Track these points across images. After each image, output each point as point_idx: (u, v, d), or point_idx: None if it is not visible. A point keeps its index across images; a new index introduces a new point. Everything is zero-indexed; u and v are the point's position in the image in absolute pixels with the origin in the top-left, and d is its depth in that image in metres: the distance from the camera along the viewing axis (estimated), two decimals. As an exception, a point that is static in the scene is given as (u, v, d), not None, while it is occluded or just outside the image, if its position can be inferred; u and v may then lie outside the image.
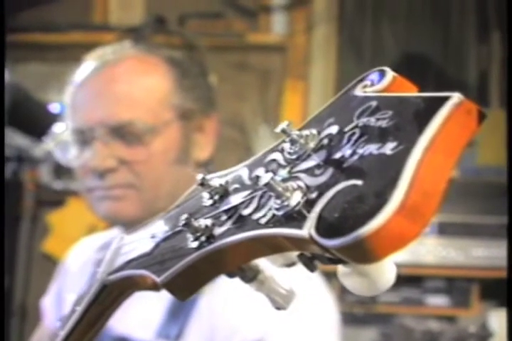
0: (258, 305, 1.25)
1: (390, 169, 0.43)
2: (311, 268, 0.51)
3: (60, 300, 1.56)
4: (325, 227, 0.44)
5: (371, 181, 0.44)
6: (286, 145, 0.52)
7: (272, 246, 0.51)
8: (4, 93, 2.21)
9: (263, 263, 0.57)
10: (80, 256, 1.59)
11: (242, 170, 0.56)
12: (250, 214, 0.51)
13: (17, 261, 3.09)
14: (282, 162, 0.52)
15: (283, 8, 3.30)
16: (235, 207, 0.53)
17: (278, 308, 0.58)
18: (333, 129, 0.50)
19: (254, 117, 3.22)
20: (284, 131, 0.51)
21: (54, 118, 2.27)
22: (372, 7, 3.33)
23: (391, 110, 0.47)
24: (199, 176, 0.57)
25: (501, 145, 3.01)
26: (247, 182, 0.55)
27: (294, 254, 0.54)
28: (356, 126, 0.48)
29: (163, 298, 1.34)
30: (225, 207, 0.54)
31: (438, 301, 2.92)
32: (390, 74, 0.51)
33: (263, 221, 0.50)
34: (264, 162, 0.54)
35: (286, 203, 0.48)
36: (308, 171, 0.49)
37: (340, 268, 0.50)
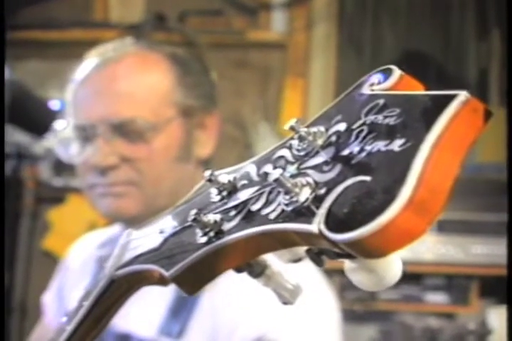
0: (260, 302, 1.26)
1: (398, 165, 0.44)
2: (319, 263, 0.52)
3: (61, 297, 1.56)
4: (334, 222, 0.45)
5: (379, 177, 0.45)
6: (295, 142, 0.53)
7: (281, 241, 0.51)
8: (4, 90, 2.22)
9: (270, 258, 0.58)
10: (80, 253, 1.59)
11: (249, 167, 0.57)
12: (259, 210, 0.52)
13: (17, 258, 3.09)
14: (290, 158, 0.53)
15: (283, 5, 3.30)
16: (244, 203, 0.54)
17: (285, 303, 0.59)
18: (341, 126, 0.51)
19: (253, 114, 3.23)
20: (292, 128, 0.52)
21: (54, 115, 2.27)
22: (372, 5, 3.34)
23: (399, 108, 0.48)
24: (207, 172, 0.57)
25: (501, 142, 3.02)
26: (256, 178, 0.55)
27: (300, 250, 0.55)
28: (364, 124, 0.49)
29: (166, 296, 1.35)
30: (234, 203, 0.55)
31: (437, 298, 2.93)
32: (397, 72, 0.52)
33: (272, 216, 0.51)
34: (272, 159, 0.55)
35: (295, 199, 0.49)
36: (317, 167, 0.50)
37: (348, 264, 0.51)
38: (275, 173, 0.50)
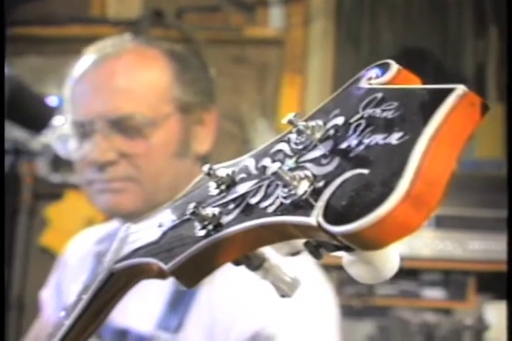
0: (258, 296, 1.26)
1: (395, 158, 0.44)
2: (317, 255, 0.52)
3: (59, 292, 1.57)
4: (332, 215, 0.46)
5: (377, 170, 0.45)
6: (293, 136, 0.53)
7: (279, 234, 0.52)
8: (4, 87, 2.21)
9: (269, 251, 0.58)
10: (78, 249, 1.60)
11: (248, 161, 0.57)
12: (258, 203, 0.53)
13: (15, 254, 3.09)
14: (289, 152, 0.53)
15: (280, 1, 3.30)
16: (242, 196, 0.54)
17: (283, 296, 0.59)
18: (339, 120, 0.51)
19: (251, 111, 3.23)
20: (290, 122, 0.52)
21: (52, 111, 2.27)
22: (369, 1, 3.34)
23: (396, 101, 0.48)
24: (206, 166, 0.58)
25: (499, 138, 3.03)
26: (254, 172, 0.56)
27: (298, 243, 0.55)
28: (362, 117, 0.49)
29: (163, 290, 1.35)
30: (233, 196, 0.55)
31: (435, 294, 2.93)
32: (394, 66, 0.52)
33: (271, 209, 0.51)
34: (271, 152, 0.56)
35: (293, 192, 0.49)
36: (315, 161, 0.50)
37: (345, 257, 0.51)
38: (273, 167, 0.50)
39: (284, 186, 0.50)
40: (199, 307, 1.33)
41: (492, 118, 3.04)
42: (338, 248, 0.49)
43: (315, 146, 0.51)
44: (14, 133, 2.74)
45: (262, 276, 0.59)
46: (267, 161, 0.55)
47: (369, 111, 0.49)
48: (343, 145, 0.49)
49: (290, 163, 0.52)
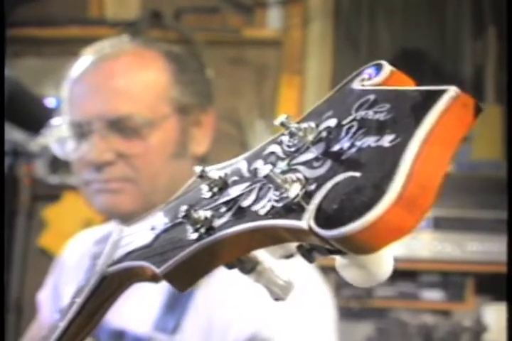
0: (254, 298, 1.26)
1: (387, 161, 0.44)
2: (310, 259, 0.52)
3: (57, 293, 1.57)
4: (324, 218, 0.45)
5: (369, 173, 0.45)
6: (285, 138, 0.53)
7: (271, 238, 0.51)
8: (4, 89, 2.21)
9: (262, 254, 0.58)
10: (76, 250, 1.59)
11: (240, 163, 0.57)
12: (249, 206, 0.52)
13: (13, 255, 3.09)
14: (281, 154, 0.53)
15: (279, 2, 3.30)
16: (234, 199, 0.54)
17: (276, 299, 0.59)
18: (332, 122, 0.51)
19: (249, 112, 3.22)
20: (282, 124, 0.52)
21: (50, 112, 2.27)
22: (368, 2, 3.34)
23: (389, 103, 0.48)
24: (198, 168, 0.57)
25: (496, 140, 3.02)
26: (246, 174, 0.55)
27: (292, 246, 0.55)
28: (354, 119, 0.49)
29: (160, 292, 1.35)
30: (225, 199, 0.55)
31: (433, 295, 2.93)
32: (387, 68, 0.52)
33: (262, 212, 0.50)
34: (263, 154, 0.55)
35: (285, 195, 0.49)
36: (307, 163, 0.50)
37: (339, 260, 0.51)
38: (265, 169, 0.49)
39: (276, 189, 0.49)
40: (196, 309, 1.32)
41: (490, 120, 3.03)
42: (330, 251, 0.49)
43: (307, 149, 0.51)
44: (12, 134, 2.73)
45: (255, 279, 0.59)
46: (259, 163, 0.55)
47: (361, 113, 0.49)
48: (336, 148, 0.48)
49: (282, 165, 0.52)
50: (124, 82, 1.38)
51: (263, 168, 0.50)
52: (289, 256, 0.57)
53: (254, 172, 0.54)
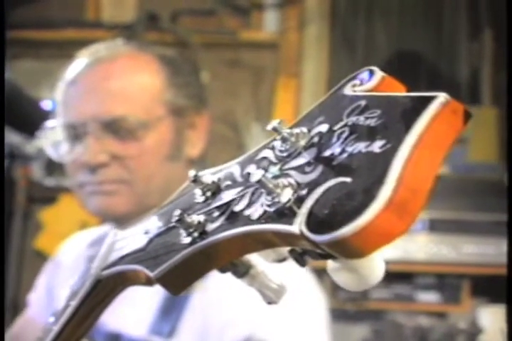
0: (249, 301, 1.26)
1: (378, 166, 0.44)
2: (302, 263, 0.52)
3: (51, 294, 1.57)
4: (315, 223, 0.46)
5: (360, 178, 0.45)
6: (277, 143, 0.53)
7: (263, 242, 0.52)
8: (4, 92, 2.21)
9: (255, 258, 0.59)
10: (72, 252, 1.60)
11: (233, 168, 0.57)
12: (242, 211, 0.53)
13: (9, 257, 3.09)
14: (273, 159, 0.53)
15: (275, 5, 3.31)
16: (227, 204, 0.54)
17: (269, 303, 0.59)
18: (323, 128, 0.51)
19: (246, 114, 3.23)
20: (275, 129, 0.52)
21: (46, 115, 2.27)
22: (364, 4, 3.34)
23: (379, 109, 0.48)
24: (191, 173, 0.58)
25: (492, 142, 3.03)
26: (239, 179, 0.56)
27: (285, 250, 0.55)
28: (346, 125, 0.49)
29: (156, 295, 1.35)
30: (217, 204, 0.55)
31: (429, 298, 2.93)
32: (378, 73, 0.52)
33: (254, 217, 0.51)
34: (256, 159, 0.55)
35: (277, 200, 0.49)
36: (299, 168, 0.50)
37: (330, 264, 0.51)
38: (258, 174, 0.50)
39: (268, 194, 0.50)
40: (192, 312, 1.33)
41: (486, 122, 3.04)
42: (322, 256, 0.49)
43: (299, 154, 0.51)
44: (9, 137, 2.73)
45: (248, 283, 0.59)
46: (251, 168, 0.55)
47: (353, 119, 0.49)
48: (327, 153, 0.49)
49: (274, 170, 0.52)
50: (119, 84, 1.39)
51: (255, 173, 0.50)
52: (282, 259, 0.58)
53: (246, 177, 0.55)
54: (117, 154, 1.37)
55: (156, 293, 1.34)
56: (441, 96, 0.45)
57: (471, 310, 2.88)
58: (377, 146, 0.46)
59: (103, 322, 1.25)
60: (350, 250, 0.44)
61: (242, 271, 0.59)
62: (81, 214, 2.66)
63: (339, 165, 0.47)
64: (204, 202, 0.57)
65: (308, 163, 0.50)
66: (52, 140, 1.47)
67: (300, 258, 0.52)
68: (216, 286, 1.24)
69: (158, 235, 0.61)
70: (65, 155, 1.43)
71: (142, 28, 3.25)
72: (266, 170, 0.53)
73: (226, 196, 0.55)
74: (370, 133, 0.47)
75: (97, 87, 1.39)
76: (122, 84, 1.39)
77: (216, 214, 0.55)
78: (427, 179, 0.44)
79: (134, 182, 1.38)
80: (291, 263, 0.57)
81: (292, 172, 0.50)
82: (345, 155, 0.47)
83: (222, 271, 0.58)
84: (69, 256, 1.59)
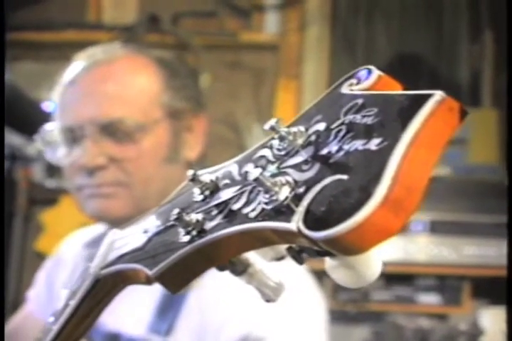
0: (246, 300, 1.26)
1: (374, 164, 0.45)
2: (299, 260, 0.52)
3: (51, 290, 1.57)
4: (312, 220, 0.46)
5: (356, 176, 0.45)
6: (275, 142, 0.54)
7: (261, 240, 0.52)
8: (4, 93, 2.22)
9: (253, 256, 0.59)
10: (71, 249, 1.61)
11: (232, 166, 0.58)
12: (240, 209, 0.53)
13: (10, 259, 3.09)
14: (271, 158, 0.54)
15: (276, 7, 3.31)
16: (225, 202, 0.55)
17: (268, 301, 0.60)
18: (321, 126, 0.51)
19: (247, 116, 3.23)
20: (272, 128, 0.53)
21: (47, 116, 2.27)
22: (365, 6, 3.35)
23: (376, 107, 0.48)
24: (190, 172, 0.58)
25: (493, 143, 3.03)
26: (237, 177, 0.56)
27: (283, 248, 0.55)
28: (343, 123, 0.50)
29: (154, 294, 1.35)
30: (216, 202, 0.56)
31: (430, 299, 2.93)
32: (375, 72, 0.52)
33: (253, 215, 0.51)
34: (254, 158, 0.56)
35: (274, 197, 0.49)
36: (297, 167, 0.51)
37: (328, 261, 0.52)
38: (255, 172, 0.50)
39: (266, 192, 0.50)
40: (189, 310, 1.33)
41: (486, 124, 3.04)
42: (319, 253, 0.50)
43: (297, 152, 0.51)
44: (10, 138, 2.74)
45: (247, 281, 0.59)
46: (249, 167, 0.55)
47: (350, 117, 0.49)
48: (324, 152, 0.49)
49: (272, 168, 0.52)
50: (116, 87, 1.39)
51: (253, 172, 0.51)
52: (280, 257, 0.58)
53: (244, 176, 0.55)
54: (115, 157, 1.37)
55: (154, 292, 1.35)
56: (437, 94, 0.46)
57: (472, 311, 2.88)
58: (373, 144, 0.46)
59: (101, 321, 1.25)
60: (347, 247, 0.45)
61: (241, 269, 0.59)
62: (82, 215, 2.67)
63: (336, 163, 0.48)
64: (202, 200, 0.57)
65: (305, 161, 0.50)
66: (49, 143, 1.47)
67: (298, 255, 0.52)
68: (213, 284, 1.24)
69: (157, 234, 0.61)
70: (62, 158, 1.43)
71: (143, 30, 3.26)
72: (264, 168, 0.53)
73: (224, 194, 0.55)
74: (366, 131, 0.47)
75: (94, 90, 1.40)
76: (120, 86, 1.39)
77: (214, 212, 0.55)
78: (423, 176, 0.45)
79: (132, 185, 1.38)
80: (288, 263, 0.57)
81: (290, 171, 0.51)
82: (342, 153, 0.48)
83: (221, 269, 0.58)
84: (69, 253, 1.60)
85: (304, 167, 0.50)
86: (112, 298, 0.68)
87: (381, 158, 0.44)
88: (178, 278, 0.58)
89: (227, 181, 0.57)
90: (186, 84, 1.45)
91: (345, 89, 0.52)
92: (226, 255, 0.56)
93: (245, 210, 0.52)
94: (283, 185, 0.50)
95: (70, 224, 3.09)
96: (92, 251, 1.46)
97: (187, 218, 0.56)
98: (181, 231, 0.56)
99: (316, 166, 0.49)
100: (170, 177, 1.38)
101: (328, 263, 0.51)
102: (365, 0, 3.37)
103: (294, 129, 0.53)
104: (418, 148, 0.44)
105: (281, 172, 0.51)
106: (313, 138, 0.51)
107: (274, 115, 3.17)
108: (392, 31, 3.32)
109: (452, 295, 2.91)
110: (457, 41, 3.29)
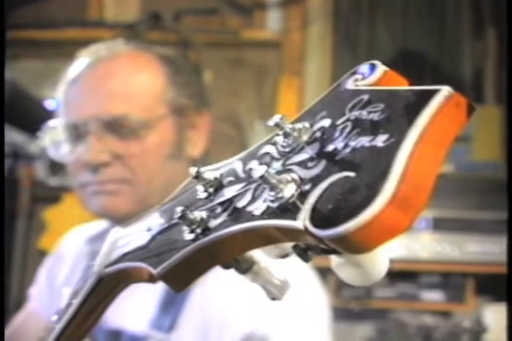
0: (250, 297, 1.26)
1: (381, 161, 0.44)
2: (305, 258, 0.52)
3: (53, 287, 1.57)
4: (319, 218, 0.45)
5: (363, 173, 0.45)
6: (280, 139, 0.53)
7: (266, 238, 0.51)
8: (4, 91, 2.21)
9: (257, 254, 0.58)
10: (72, 245, 1.61)
11: (235, 163, 0.57)
12: (245, 207, 0.52)
13: (13, 257, 3.09)
14: (276, 155, 0.53)
15: (278, 4, 3.30)
16: (230, 200, 0.54)
17: (273, 299, 0.59)
18: (326, 122, 0.51)
19: (249, 113, 3.22)
20: (277, 125, 0.52)
21: (49, 114, 2.27)
22: (367, 3, 3.34)
23: (382, 103, 0.48)
24: (193, 169, 0.57)
25: (496, 140, 3.02)
26: (241, 175, 0.55)
27: (288, 246, 0.55)
28: (348, 119, 0.49)
29: (156, 291, 1.35)
30: (220, 200, 0.55)
31: (433, 296, 2.92)
32: (380, 67, 0.52)
33: (258, 213, 0.51)
34: (258, 155, 0.55)
35: (280, 195, 0.49)
36: (302, 164, 0.50)
37: (334, 259, 0.51)
38: (260, 170, 0.49)
39: (271, 189, 0.49)
40: (192, 307, 1.33)
41: (489, 121, 3.03)
42: (325, 251, 0.49)
43: (302, 149, 0.51)
44: (12, 136, 2.73)
45: (252, 279, 0.59)
46: (254, 164, 0.55)
47: (355, 113, 0.49)
48: (330, 148, 0.49)
49: (277, 165, 0.52)
50: (120, 83, 1.39)
51: (258, 169, 0.50)
52: (285, 255, 0.58)
53: (249, 173, 0.54)
54: (119, 153, 1.36)
55: (157, 289, 1.34)
56: (445, 90, 0.45)
57: (476, 308, 2.87)
58: (380, 140, 0.45)
59: (104, 319, 1.25)
60: (355, 245, 0.44)
61: (245, 267, 0.58)
62: (85, 213, 2.67)
63: (342, 159, 0.47)
64: (206, 198, 0.57)
65: (311, 158, 0.49)
66: (53, 140, 1.47)
67: (303, 253, 0.52)
68: (216, 281, 1.24)
69: (161, 232, 0.60)
70: (66, 155, 1.43)
71: (145, 28, 3.25)
72: (268, 165, 0.52)
73: (228, 192, 0.55)
74: (373, 128, 0.47)
75: (98, 87, 1.39)
76: (123, 83, 1.39)
77: (219, 210, 0.55)
78: (430, 174, 0.44)
79: (136, 181, 1.37)
80: (293, 261, 0.57)
81: (295, 168, 0.50)
82: (348, 149, 0.47)
83: (226, 267, 0.58)
84: (69, 249, 1.60)
85: (310, 164, 0.49)
86: (115, 297, 0.68)
87: (388, 154, 0.44)
88: (182, 277, 0.57)
89: (231, 178, 0.56)
90: (190, 81, 1.45)
91: (349, 85, 0.52)
92: (231, 253, 0.55)
93: (250, 208, 0.52)
94: (288, 182, 0.49)
95: (73, 222, 3.07)
96: (94, 247, 1.46)
97: (191, 216, 0.55)
98: (185, 229, 0.56)
99: (322, 163, 0.48)
100: (174, 175, 1.38)
101: (335, 261, 0.51)
102: (367, -3, 3.36)
103: (298, 125, 0.52)
104: (425, 145, 0.44)
105: (286, 170, 0.51)
106: (318, 134, 0.51)
107: (277, 112, 3.15)
108: (394, 28, 3.31)
109: (456, 292, 2.91)
110: (460, 38, 3.28)
